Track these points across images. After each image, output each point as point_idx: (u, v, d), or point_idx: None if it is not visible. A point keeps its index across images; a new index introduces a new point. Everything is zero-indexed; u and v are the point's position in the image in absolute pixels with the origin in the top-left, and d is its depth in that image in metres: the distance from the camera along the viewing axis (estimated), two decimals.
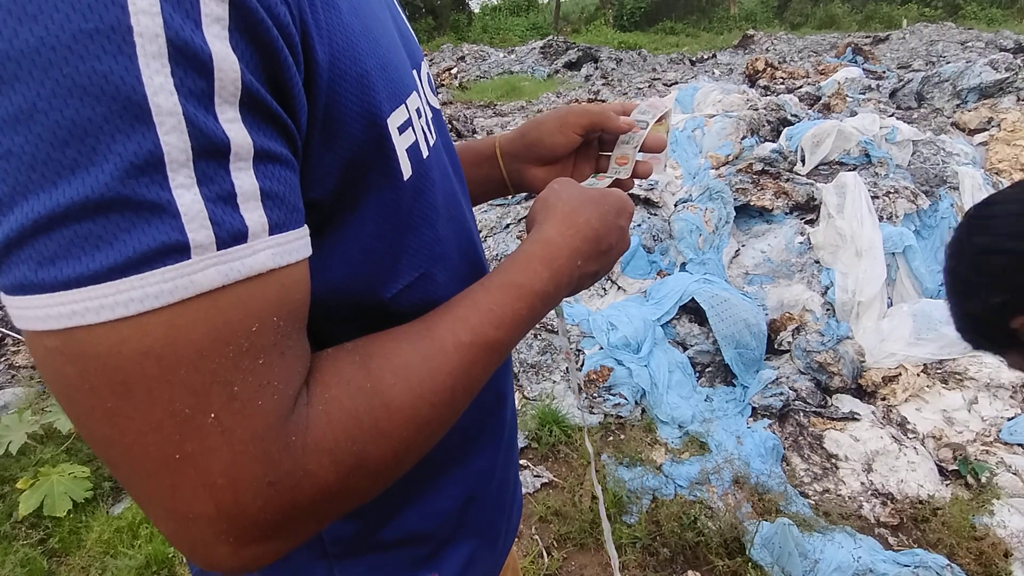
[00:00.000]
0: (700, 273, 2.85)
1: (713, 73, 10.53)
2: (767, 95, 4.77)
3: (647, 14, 24.12)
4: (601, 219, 0.55)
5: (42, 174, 0.28)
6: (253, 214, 0.32)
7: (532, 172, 0.71)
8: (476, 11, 27.36)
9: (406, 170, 0.45)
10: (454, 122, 5.75)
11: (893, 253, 2.92)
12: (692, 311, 2.79)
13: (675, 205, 3.21)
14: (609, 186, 0.66)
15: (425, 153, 0.48)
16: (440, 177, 0.52)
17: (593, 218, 0.55)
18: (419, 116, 0.48)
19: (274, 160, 0.34)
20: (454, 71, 12.60)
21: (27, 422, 2.48)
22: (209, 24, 0.30)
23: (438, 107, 0.59)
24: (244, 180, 0.32)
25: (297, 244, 0.35)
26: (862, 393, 2.57)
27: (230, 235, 0.31)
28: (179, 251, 0.29)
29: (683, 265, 2.94)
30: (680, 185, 3.38)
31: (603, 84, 10.32)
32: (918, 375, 2.55)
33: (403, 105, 0.45)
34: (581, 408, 0.85)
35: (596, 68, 12.16)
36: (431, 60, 14.00)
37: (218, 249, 0.31)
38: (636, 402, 2.54)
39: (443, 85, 11.72)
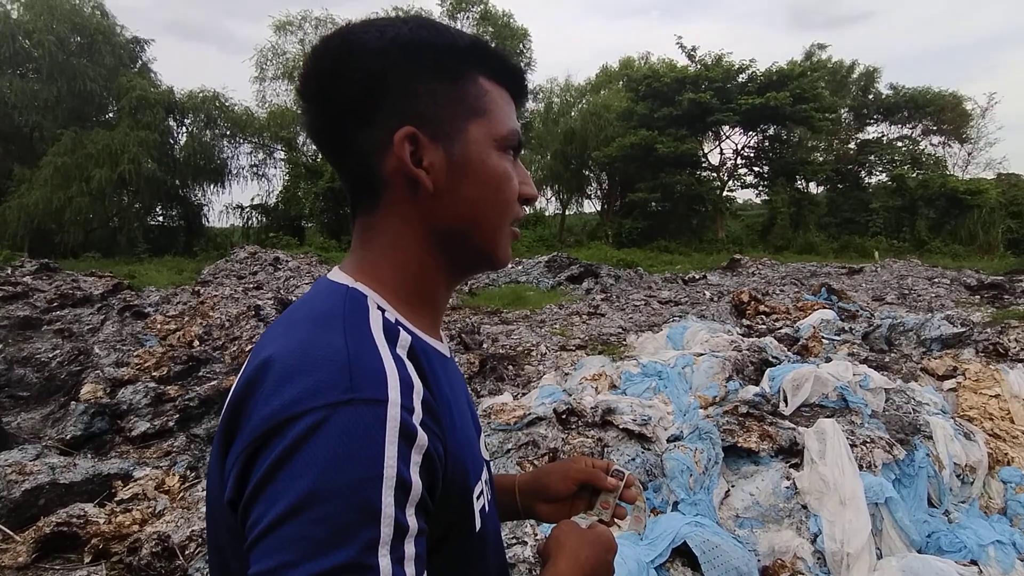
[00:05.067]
0: (692, 514, 2.97)
1: (704, 294, 11.42)
2: (750, 335, 5.27)
3: (643, 232, 26.59)
4: (596, 555, 0.80)
5: (323, 550, 0.49)
6: (409, 568, 0.53)
7: (540, 507, 0.98)
8: None
9: (478, 524, 0.69)
10: (463, 335, 6.20)
11: (876, 503, 3.06)
12: (685, 554, 2.85)
13: (667, 441, 3.43)
14: (594, 523, 0.91)
15: (487, 508, 0.74)
16: (491, 520, 0.77)
17: (591, 555, 0.79)
18: (486, 484, 0.75)
19: (422, 533, 0.55)
20: None
21: None
22: (412, 466, 0.55)
23: (488, 459, 0.87)
24: (410, 548, 0.53)
25: None
26: None
27: None
28: None
29: (675, 504, 3.07)
30: (672, 420, 3.64)
31: (603, 299, 11.14)
32: None
33: (480, 480, 0.72)
34: None
35: (596, 283, 13.19)
36: None
37: None
38: None
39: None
